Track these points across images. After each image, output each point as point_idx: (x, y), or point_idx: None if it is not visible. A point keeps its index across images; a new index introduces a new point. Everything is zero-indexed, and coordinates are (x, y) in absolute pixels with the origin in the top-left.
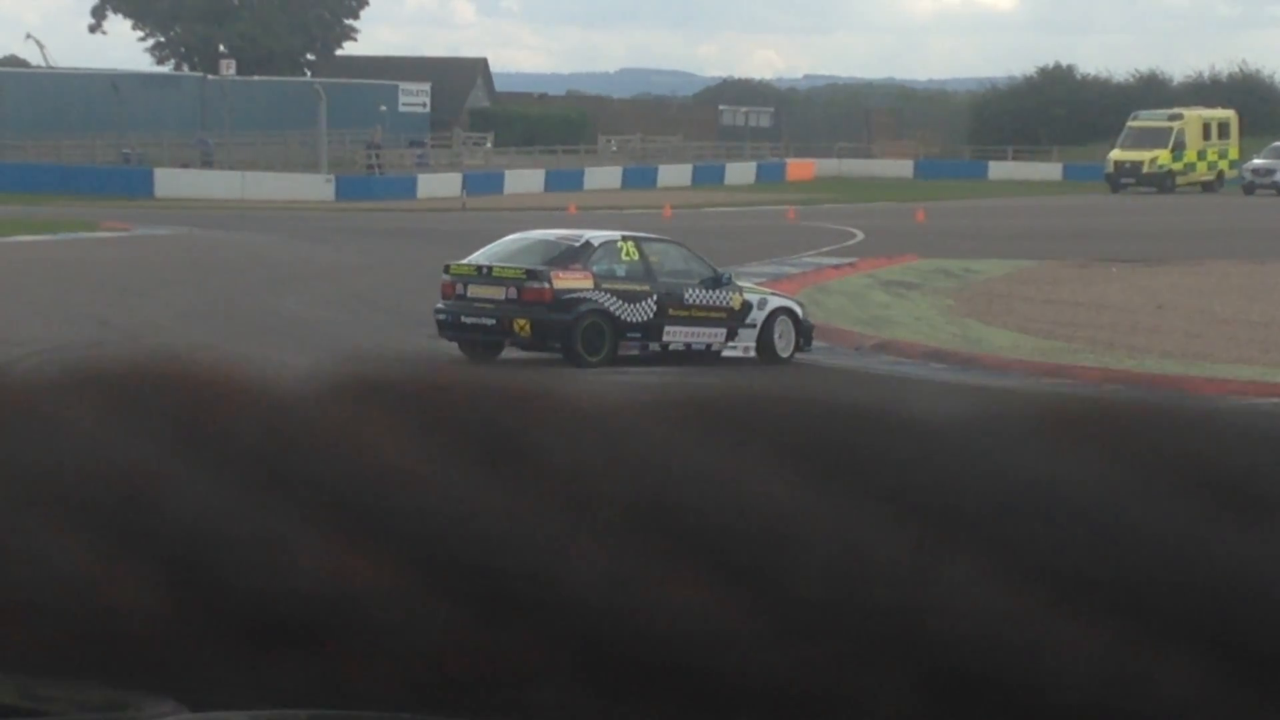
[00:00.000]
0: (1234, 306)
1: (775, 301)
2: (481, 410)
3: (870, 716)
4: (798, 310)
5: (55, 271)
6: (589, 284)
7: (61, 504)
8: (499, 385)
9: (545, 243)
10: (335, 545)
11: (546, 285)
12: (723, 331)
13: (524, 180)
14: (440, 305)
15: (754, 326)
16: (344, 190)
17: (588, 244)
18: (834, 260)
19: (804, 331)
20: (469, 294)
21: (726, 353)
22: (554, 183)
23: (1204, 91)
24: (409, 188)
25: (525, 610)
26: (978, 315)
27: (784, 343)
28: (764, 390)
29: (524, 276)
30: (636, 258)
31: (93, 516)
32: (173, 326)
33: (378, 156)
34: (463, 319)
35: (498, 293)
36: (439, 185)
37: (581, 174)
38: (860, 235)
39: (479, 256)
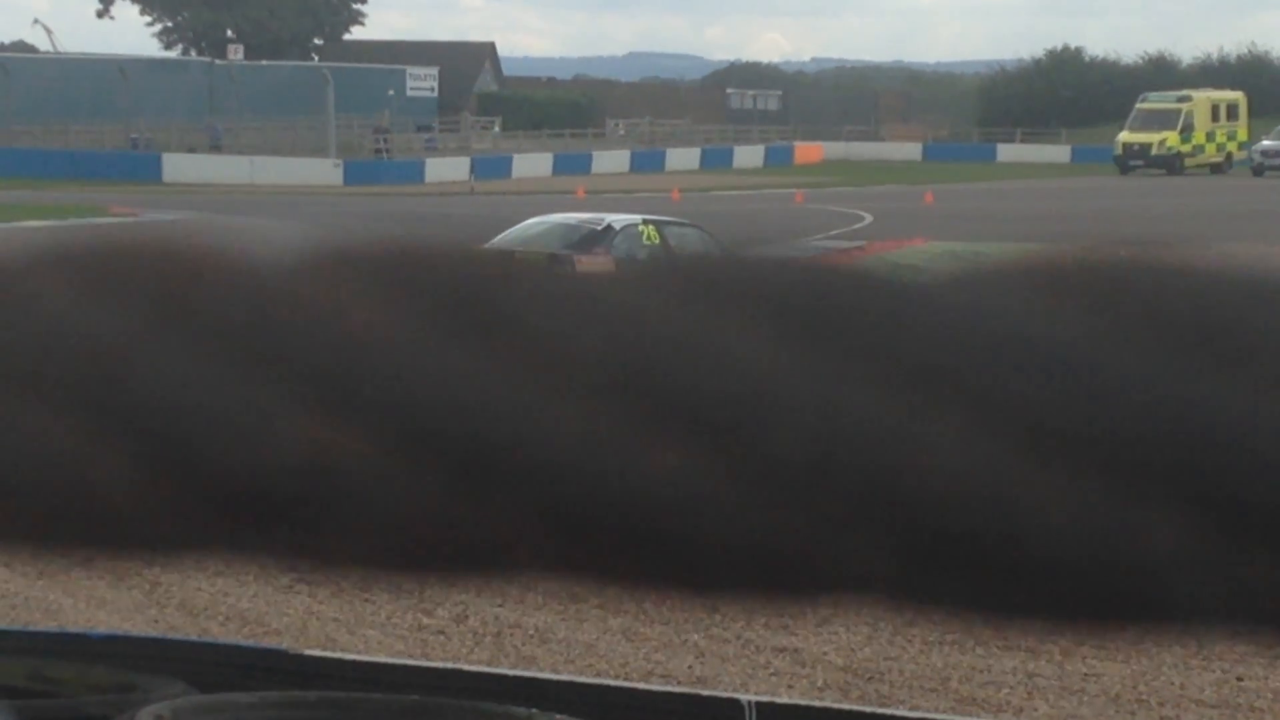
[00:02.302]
0: None
1: None
2: (458, 278)
3: (851, 577)
4: None
5: None
6: (611, 268)
7: (36, 381)
8: (473, 254)
9: (567, 227)
10: (314, 417)
11: (570, 270)
12: None
13: (532, 164)
14: None
15: None
16: (352, 175)
17: (609, 228)
18: (842, 243)
19: None
20: None
21: None
22: (562, 166)
23: (1213, 73)
24: (417, 172)
25: (502, 476)
26: None
27: None
28: (743, 255)
29: (547, 262)
30: (657, 241)
31: (69, 393)
32: None
33: (386, 141)
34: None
35: None
36: (447, 169)
37: (589, 157)
38: (869, 218)
39: (502, 240)
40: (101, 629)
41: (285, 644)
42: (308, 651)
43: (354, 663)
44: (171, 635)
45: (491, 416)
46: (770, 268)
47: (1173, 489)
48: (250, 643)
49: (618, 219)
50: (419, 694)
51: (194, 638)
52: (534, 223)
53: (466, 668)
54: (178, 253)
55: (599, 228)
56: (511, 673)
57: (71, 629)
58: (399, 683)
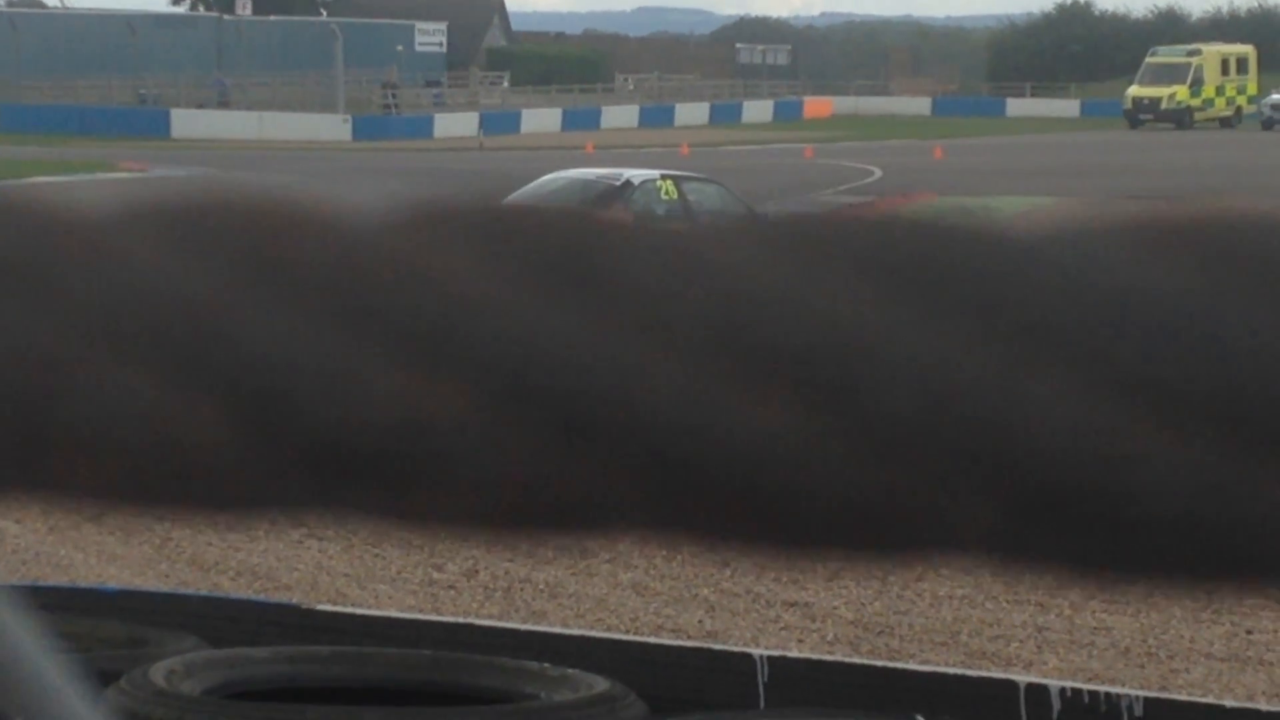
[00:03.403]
0: None
1: None
2: (553, 236)
3: (959, 534)
4: None
5: None
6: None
7: (128, 337)
8: (570, 212)
9: (584, 182)
10: (408, 373)
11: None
12: None
13: (541, 119)
14: None
15: None
16: (360, 130)
17: (628, 183)
18: (852, 198)
19: None
20: None
21: None
22: (571, 122)
23: (1222, 27)
24: (425, 127)
25: (601, 433)
26: None
27: None
28: (845, 212)
29: None
30: (675, 197)
31: (160, 349)
32: None
33: (394, 96)
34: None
35: None
36: (456, 125)
37: (599, 113)
38: (878, 173)
39: (520, 196)
40: (113, 584)
41: (296, 599)
42: (319, 606)
43: (365, 617)
44: (183, 590)
45: (590, 374)
46: (873, 224)
47: None
48: (261, 598)
49: (636, 174)
50: (430, 648)
51: (205, 592)
52: (550, 178)
53: (478, 622)
54: (271, 209)
55: (617, 183)
56: (523, 627)
57: (84, 584)
58: (410, 637)
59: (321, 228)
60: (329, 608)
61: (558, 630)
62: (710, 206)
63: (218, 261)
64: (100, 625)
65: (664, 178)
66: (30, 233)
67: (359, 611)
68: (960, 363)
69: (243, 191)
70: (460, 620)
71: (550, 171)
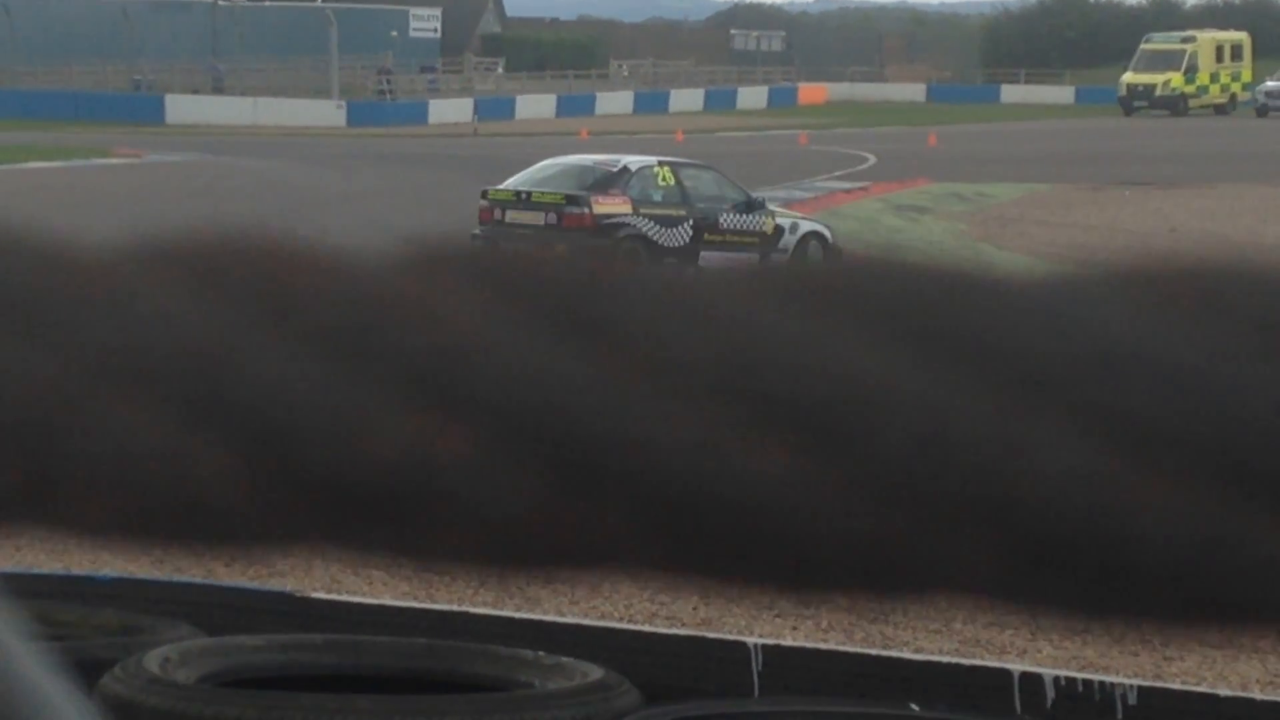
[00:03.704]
0: (1247, 229)
1: (807, 225)
2: (560, 281)
3: (957, 581)
4: (827, 234)
5: (67, 198)
6: (628, 209)
7: (138, 376)
8: (576, 261)
9: (583, 168)
10: (415, 415)
11: (587, 210)
12: (755, 256)
13: (535, 105)
14: (477, 230)
15: (786, 251)
16: (355, 116)
17: (625, 169)
18: (846, 185)
19: (832, 255)
20: (507, 219)
21: None
22: (565, 108)
23: (1217, 14)
24: (420, 113)
25: (605, 478)
26: (990, 239)
27: None
28: (845, 260)
29: (564, 202)
30: (673, 183)
31: (170, 388)
32: None
33: (389, 82)
34: (501, 244)
35: (537, 218)
36: (450, 111)
37: (593, 99)
38: (872, 159)
39: (517, 181)
40: (108, 571)
41: (290, 585)
42: (313, 594)
43: (360, 605)
44: (178, 578)
45: (595, 418)
46: (876, 271)
47: None
48: (256, 585)
49: (633, 160)
50: (425, 636)
51: (200, 580)
52: (548, 164)
53: (473, 610)
54: (278, 249)
55: (614, 169)
56: (518, 615)
57: (78, 571)
58: (405, 625)
59: (328, 268)
60: (324, 595)
61: (552, 619)
62: (706, 193)
63: (225, 301)
64: (95, 613)
65: (661, 164)
66: (38, 269)
67: (354, 599)
68: (959, 410)
69: (251, 231)
70: (455, 609)
71: (545, 158)
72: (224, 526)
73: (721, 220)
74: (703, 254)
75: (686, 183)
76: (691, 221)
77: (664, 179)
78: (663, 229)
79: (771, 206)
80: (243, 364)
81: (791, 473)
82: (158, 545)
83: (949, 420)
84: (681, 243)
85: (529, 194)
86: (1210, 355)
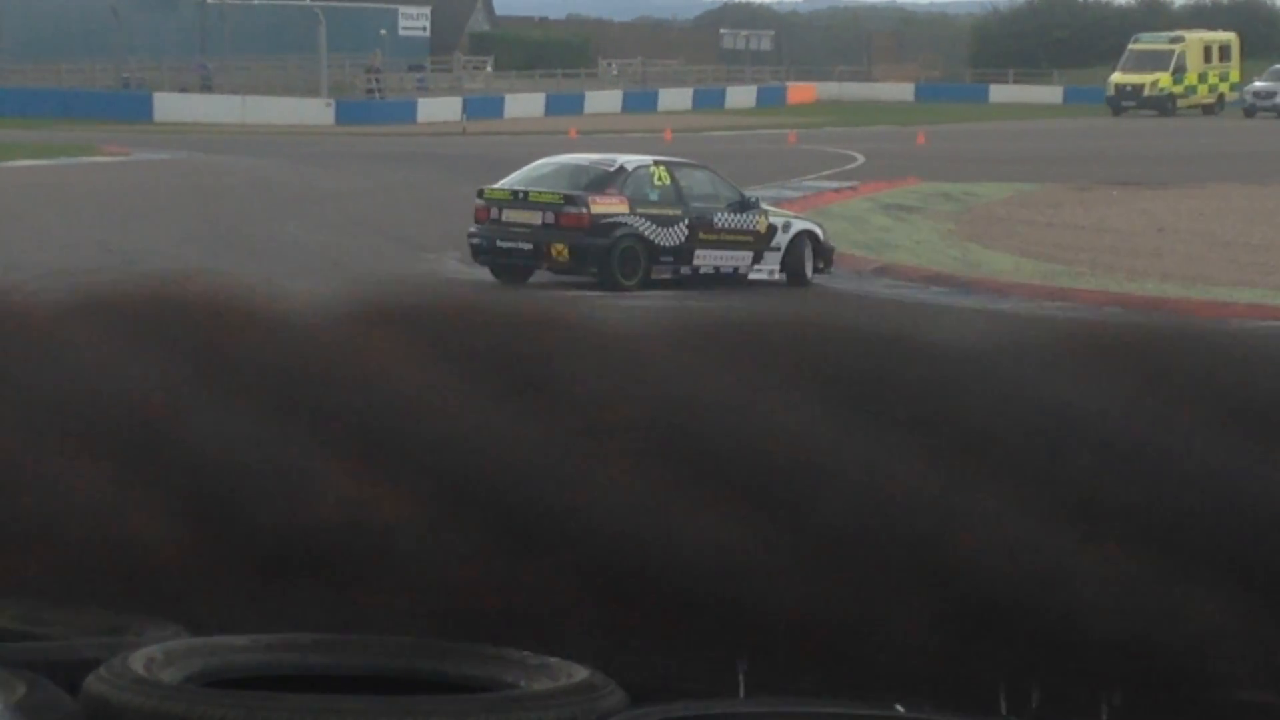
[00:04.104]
0: (1235, 229)
1: (799, 224)
2: (499, 336)
3: (895, 647)
4: (819, 232)
5: (55, 196)
6: (625, 209)
7: (76, 431)
8: (515, 311)
9: (579, 168)
10: (352, 474)
11: (584, 210)
12: (749, 255)
13: (524, 104)
14: (474, 229)
15: (779, 250)
16: (344, 114)
17: (622, 169)
18: (834, 184)
19: (824, 253)
20: (504, 218)
21: (753, 275)
22: (554, 107)
23: (1205, 14)
24: (409, 112)
25: (547, 541)
26: (978, 239)
27: (809, 265)
28: (786, 316)
29: (561, 201)
30: (668, 182)
31: (108, 444)
32: (174, 251)
33: (377, 81)
34: (498, 243)
35: (534, 217)
36: (439, 109)
37: (582, 98)
38: (861, 159)
39: (513, 181)
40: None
41: None
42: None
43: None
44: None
45: (536, 481)
46: (817, 333)
47: (1220, 567)
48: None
49: (629, 160)
50: (411, 635)
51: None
52: (543, 163)
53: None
54: (216, 302)
55: (610, 169)
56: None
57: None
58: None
59: (267, 322)
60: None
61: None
62: (701, 192)
63: (164, 356)
64: (80, 612)
65: (656, 163)
66: None
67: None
68: (902, 476)
69: (196, 286)
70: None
71: (534, 157)
72: (161, 586)
73: (716, 220)
74: (697, 253)
75: (682, 182)
76: (687, 221)
77: (660, 178)
78: (659, 228)
79: (765, 206)
80: (181, 421)
81: (732, 539)
82: (95, 603)
83: (891, 487)
84: (677, 242)
85: (526, 193)
86: (1152, 423)
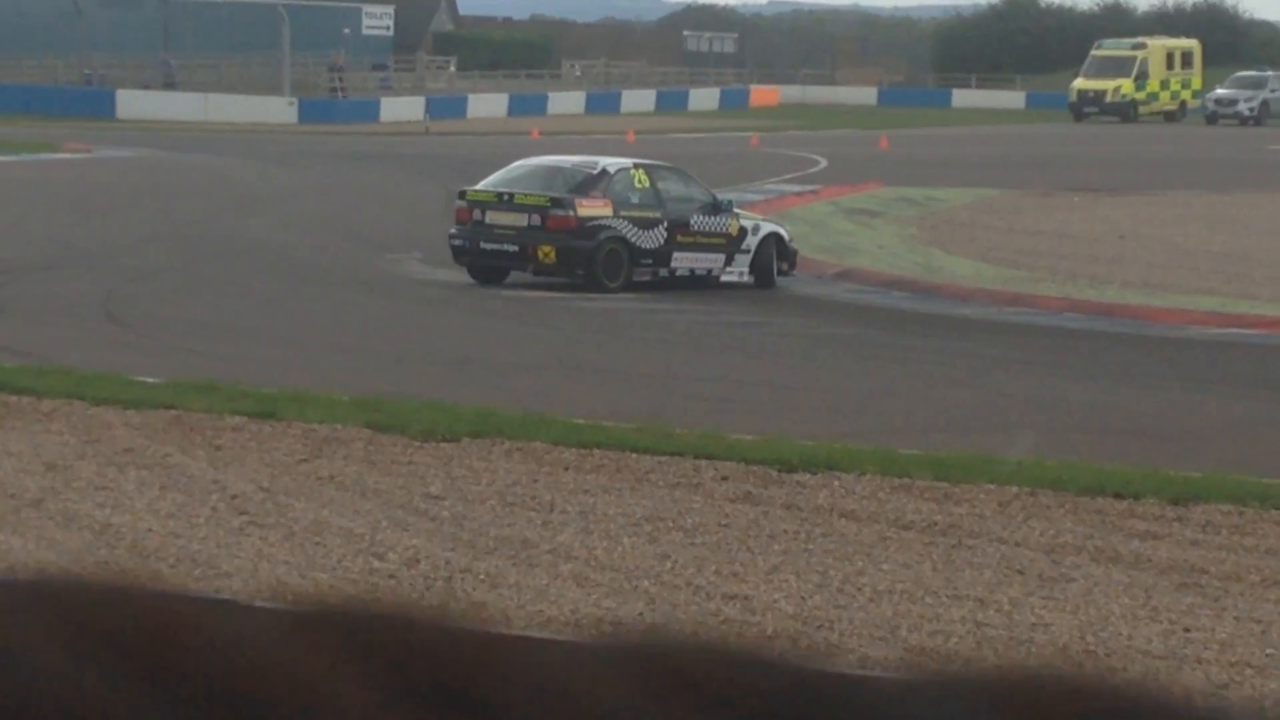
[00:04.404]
0: (1196, 237)
1: (767, 227)
2: (442, 659)
3: None
4: (785, 235)
5: (17, 193)
6: (609, 211)
7: None
8: (463, 635)
9: (561, 170)
10: None
11: (571, 213)
12: (722, 257)
13: (487, 104)
14: (455, 230)
15: (749, 252)
16: (306, 113)
17: (604, 171)
18: (797, 187)
19: (787, 256)
20: (488, 220)
21: (724, 278)
22: (517, 107)
23: (1168, 21)
24: (372, 111)
25: None
26: (940, 243)
27: (775, 268)
28: (733, 647)
29: (549, 204)
30: (648, 185)
31: None
32: (135, 248)
33: (340, 79)
34: (482, 244)
35: (519, 219)
36: (402, 109)
37: (545, 99)
38: (823, 162)
39: (495, 182)
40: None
41: (237, 588)
42: (257, 603)
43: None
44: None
45: None
46: (740, 664)
47: None
48: (199, 593)
49: (610, 163)
50: None
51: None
52: (522, 165)
53: None
54: (157, 606)
55: (594, 171)
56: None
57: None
58: None
59: (205, 634)
60: (268, 605)
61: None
62: (677, 194)
63: (97, 658)
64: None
65: (636, 166)
66: None
67: (296, 610)
68: None
69: (133, 582)
70: None
71: (497, 157)
72: None
73: (693, 222)
74: (675, 255)
75: (659, 184)
76: (666, 223)
77: (640, 181)
78: (640, 231)
79: (736, 209)
80: None
81: None
82: None
83: None
84: (657, 244)
85: (511, 195)
86: None
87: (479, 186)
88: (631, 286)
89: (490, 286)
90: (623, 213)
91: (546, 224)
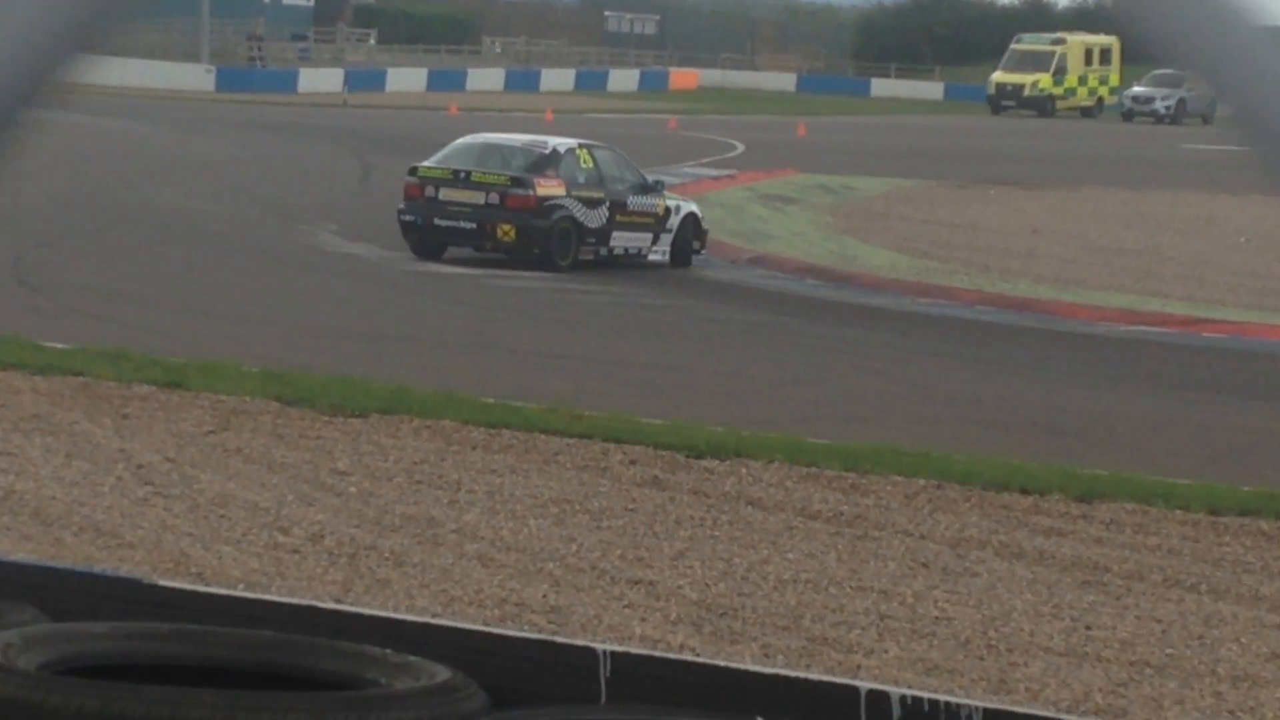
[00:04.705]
0: (1109, 233)
1: (686, 207)
2: None
3: None
4: (699, 214)
5: None
6: (563, 191)
7: None
8: None
9: (512, 149)
10: None
11: (531, 192)
12: (650, 236)
13: (406, 79)
14: (404, 206)
15: (671, 231)
16: (224, 81)
17: (555, 151)
18: (713, 171)
19: (700, 235)
20: (441, 197)
21: (651, 256)
22: (436, 82)
23: (1088, 17)
24: (290, 82)
25: None
26: (855, 232)
27: (692, 247)
28: None
29: (509, 183)
30: (591, 165)
31: None
32: (46, 212)
33: (259, 49)
34: (435, 221)
35: (476, 197)
36: (321, 80)
37: (464, 74)
38: (741, 148)
39: (446, 160)
40: None
41: (140, 558)
42: (162, 582)
43: (209, 595)
44: (24, 559)
45: None
46: None
47: None
48: (105, 570)
49: (559, 142)
50: (273, 629)
51: (48, 562)
52: (468, 142)
53: (322, 605)
54: None
55: (545, 151)
56: (368, 612)
57: None
58: (254, 617)
59: None
60: (173, 584)
61: (404, 617)
62: (614, 174)
63: None
64: None
65: (580, 146)
66: None
67: (203, 589)
68: None
69: None
70: (306, 603)
71: (416, 131)
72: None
73: (629, 201)
74: (614, 234)
75: (601, 165)
76: (608, 203)
77: (585, 161)
78: (588, 210)
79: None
80: None
81: None
82: None
83: None
84: (601, 224)
85: (469, 173)
86: None
87: (430, 163)
88: (578, 265)
89: (409, 262)
90: (574, 192)
91: (506, 202)
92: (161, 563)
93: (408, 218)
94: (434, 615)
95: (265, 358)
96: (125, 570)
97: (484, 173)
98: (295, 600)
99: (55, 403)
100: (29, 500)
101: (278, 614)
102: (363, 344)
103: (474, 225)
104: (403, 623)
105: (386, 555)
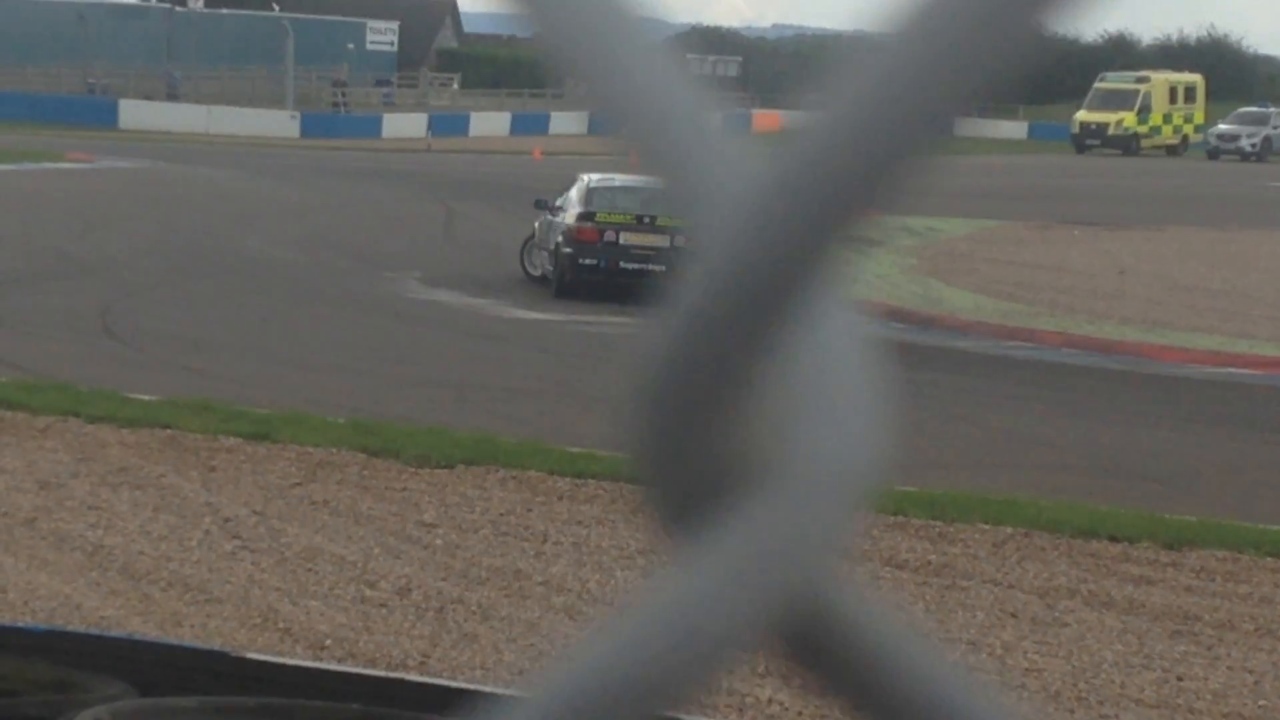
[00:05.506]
0: (1195, 273)
1: None
2: None
3: None
4: None
5: (18, 202)
6: None
7: None
8: None
9: (631, 190)
10: None
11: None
12: None
13: (489, 122)
14: (580, 249)
15: None
16: (309, 127)
17: None
18: None
19: None
20: (622, 241)
21: None
22: (519, 126)
23: (1172, 54)
24: (374, 127)
25: None
26: (939, 274)
27: None
28: None
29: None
30: None
31: None
32: (134, 262)
33: (344, 94)
34: (621, 264)
35: (663, 240)
36: (404, 125)
37: (547, 118)
38: None
39: (601, 205)
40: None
41: (227, 614)
42: (249, 655)
43: (295, 668)
44: (112, 633)
45: None
46: None
47: None
48: (192, 643)
49: None
50: (361, 703)
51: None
52: (601, 184)
53: (410, 678)
54: None
55: None
56: (455, 685)
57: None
58: (340, 690)
59: None
60: (260, 656)
61: (491, 689)
62: None
63: None
64: (28, 666)
65: None
66: None
67: (290, 662)
68: None
69: None
70: (394, 675)
71: (499, 175)
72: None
73: None
74: None
75: None
76: None
77: None
78: None
79: None
80: None
81: None
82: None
83: None
84: None
85: (654, 218)
86: None
87: (604, 209)
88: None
89: (493, 308)
90: None
91: (681, 245)
92: (249, 618)
93: (589, 261)
94: (522, 673)
95: (351, 408)
96: (215, 645)
97: (666, 217)
98: (383, 674)
99: (143, 455)
100: (118, 555)
101: (365, 687)
102: (449, 392)
103: (664, 267)
104: (492, 696)
105: (474, 609)
